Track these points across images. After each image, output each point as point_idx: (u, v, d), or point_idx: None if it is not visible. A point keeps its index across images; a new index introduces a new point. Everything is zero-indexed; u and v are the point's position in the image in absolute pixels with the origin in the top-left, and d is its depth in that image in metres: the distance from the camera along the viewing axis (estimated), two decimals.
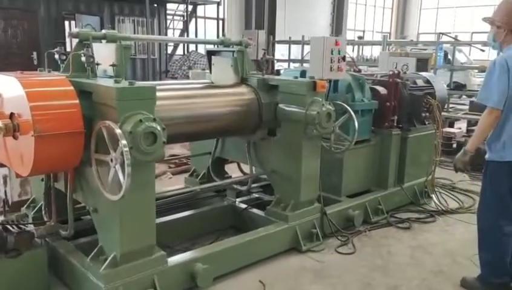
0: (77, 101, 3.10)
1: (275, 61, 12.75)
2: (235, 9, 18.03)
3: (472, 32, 24.40)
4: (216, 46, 4.78)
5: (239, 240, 4.02)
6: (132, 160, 2.87)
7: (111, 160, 2.90)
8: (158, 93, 3.79)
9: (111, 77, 3.68)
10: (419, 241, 4.73)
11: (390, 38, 26.57)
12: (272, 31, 14.29)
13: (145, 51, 14.60)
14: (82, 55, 3.42)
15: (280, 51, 16.28)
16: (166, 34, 15.33)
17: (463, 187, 6.46)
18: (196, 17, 17.23)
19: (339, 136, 4.59)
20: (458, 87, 9.40)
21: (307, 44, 13.12)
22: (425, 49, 12.77)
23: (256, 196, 5.18)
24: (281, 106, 4.31)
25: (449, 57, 11.86)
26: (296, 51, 14.56)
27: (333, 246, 4.49)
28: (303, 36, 12.75)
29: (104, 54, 3.75)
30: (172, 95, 4.00)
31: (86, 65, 3.43)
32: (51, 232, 3.68)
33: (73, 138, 3.08)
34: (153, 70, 14.80)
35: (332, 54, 4.17)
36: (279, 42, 14.63)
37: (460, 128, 9.80)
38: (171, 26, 16.80)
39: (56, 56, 3.80)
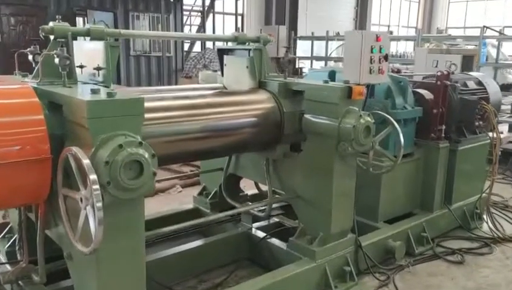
0: (41, 117, 2.36)
1: (297, 59, 11.88)
2: (255, 4, 17.23)
3: (504, 27, 22.97)
4: (228, 43, 4.00)
5: (254, 285, 3.24)
6: (109, 199, 2.13)
7: (81, 199, 2.15)
8: (156, 103, 3.13)
9: (96, 83, 2.95)
10: (477, 281, 3.86)
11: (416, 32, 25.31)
12: (293, 27, 13.44)
13: (161, 48, 13.93)
14: (55, 56, 2.68)
15: (300, 48, 15.36)
16: (182, 31, 14.64)
17: None
18: (214, 13, 16.49)
19: (379, 153, 3.75)
20: (506, 88, 8.41)
21: (332, 40, 12.24)
22: (456, 45, 11.69)
23: (276, 220, 4.38)
24: (307, 116, 3.50)
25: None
26: (317, 48, 13.64)
27: (370, 288, 3.67)
28: (327, 32, 11.85)
29: (90, 54, 3.02)
30: (173, 105, 3.22)
31: (60, 69, 2.69)
32: (21, 277, 2.97)
33: (37, 166, 2.34)
34: (168, 69, 14.13)
35: (372, 52, 3.33)
36: (302, 38, 13.73)
37: (502, 132, 8.79)
38: (188, 22, 16.10)
39: (30, 57, 3.09)
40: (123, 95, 2.39)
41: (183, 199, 5.58)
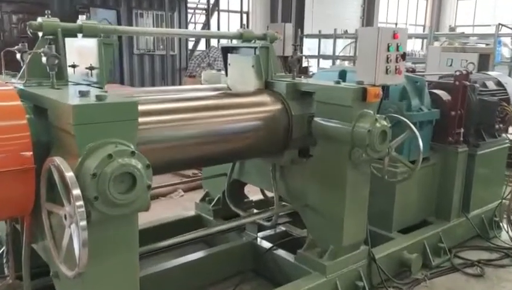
0: (24, 122, 2.12)
1: (304, 57, 11.59)
2: (260, 2, 16.94)
3: None
4: (233, 41, 3.75)
5: None
6: (97, 216, 1.89)
7: (65, 216, 1.91)
8: (153, 106, 2.89)
9: (89, 84, 2.71)
10: None
11: (424, 31, 24.92)
12: (299, 24, 13.13)
13: (164, 46, 13.69)
14: (42, 54, 2.44)
15: (305, 46, 15.03)
16: (186, 29, 14.38)
17: None
18: (219, 11, 16.22)
19: (394, 160, 3.49)
20: None
21: (340, 38, 11.95)
22: (466, 43, 11.33)
23: (283, 228, 4.13)
24: (317, 120, 3.24)
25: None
26: (323, 46, 13.34)
27: None
28: (335, 30, 11.55)
29: (82, 52, 2.78)
30: (172, 107, 2.97)
31: (48, 69, 2.45)
32: None
33: (20, 177, 2.11)
34: (172, 68, 13.89)
35: (389, 50, 3.06)
36: (308, 36, 13.43)
37: None
38: (192, 20, 15.84)
39: (18, 56, 2.85)
40: (115, 98, 2.14)
41: (185, 204, 5.34)
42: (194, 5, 15.75)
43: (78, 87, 2.51)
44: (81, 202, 1.75)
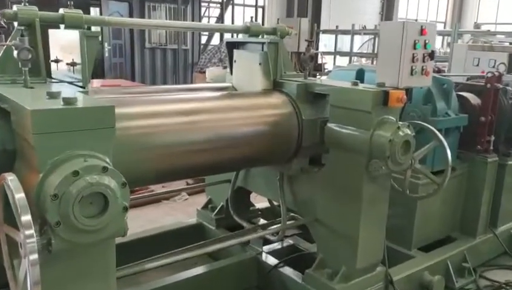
0: None
1: (320, 54, 11.15)
2: None
3: None
4: (240, 35, 3.40)
5: None
6: (60, 244, 1.57)
7: (20, 245, 1.58)
8: (148, 108, 2.56)
9: (72, 82, 2.40)
10: None
11: (445, 27, 24.17)
12: (316, 19, 12.69)
13: (177, 40, 13.38)
14: (13, 48, 2.12)
15: (322, 42, 14.56)
16: (200, 22, 14.04)
17: None
18: (233, 4, 15.83)
19: (418, 172, 3.10)
20: None
21: (358, 34, 11.49)
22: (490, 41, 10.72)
23: (291, 242, 3.78)
24: (331, 125, 2.87)
25: None
26: (340, 42, 12.86)
27: None
28: (353, 25, 11.09)
29: (66, 46, 2.47)
30: (169, 109, 2.64)
31: (20, 64, 2.13)
32: None
33: None
34: (184, 62, 13.60)
35: (415, 48, 2.67)
36: (325, 32, 12.97)
37: None
38: (206, 14, 15.50)
39: None
40: (89, 101, 1.81)
41: (188, 209, 5.02)
42: None
43: (55, 85, 2.19)
44: (31, 231, 1.43)
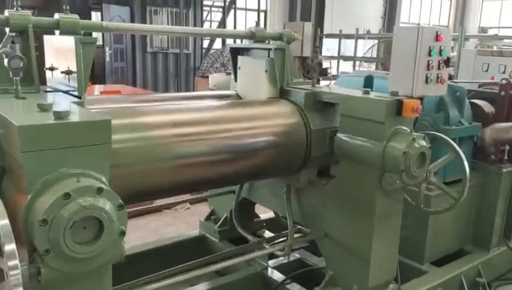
0: None
1: (325, 59, 10.98)
2: (279, 0, 16.40)
3: None
4: (244, 41, 3.26)
5: None
6: (50, 274, 1.42)
7: (6, 273, 1.44)
8: (148, 118, 2.40)
9: (67, 91, 2.26)
10: None
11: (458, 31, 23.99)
12: (319, 24, 12.56)
13: (178, 44, 13.26)
14: (3, 56, 1.98)
15: (325, 46, 14.40)
16: (202, 27, 13.92)
17: None
18: (235, 9, 15.73)
19: (433, 185, 2.94)
20: None
21: (362, 38, 11.36)
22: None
23: (298, 256, 3.62)
24: (340, 136, 2.72)
25: None
26: (343, 46, 12.72)
27: None
28: (357, 29, 10.96)
29: (62, 53, 2.34)
30: (171, 120, 2.48)
31: (11, 73, 1.99)
32: None
33: None
34: (186, 66, 13.47)
35: (430, 55, 2.53)
36: (329, 36, 12.84)
37: None
38: (208, 18, 15.40)
39: None
40: (84, 114, 1.67)
41: (190, 219, 4.88)
42: (210, 3, 15.31)
43: (49, 96, 2.05)
44: (15, 262, 1.28)
